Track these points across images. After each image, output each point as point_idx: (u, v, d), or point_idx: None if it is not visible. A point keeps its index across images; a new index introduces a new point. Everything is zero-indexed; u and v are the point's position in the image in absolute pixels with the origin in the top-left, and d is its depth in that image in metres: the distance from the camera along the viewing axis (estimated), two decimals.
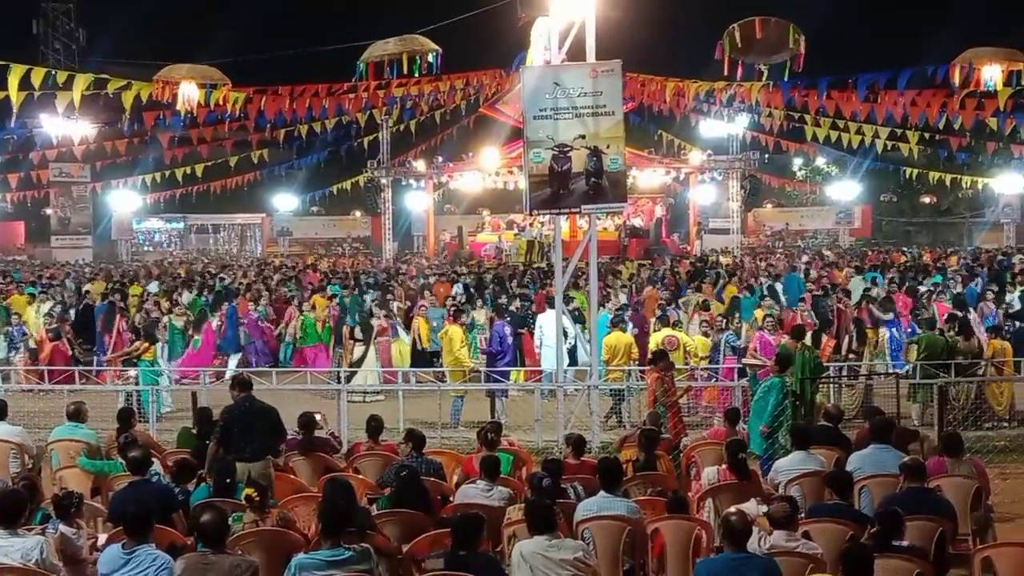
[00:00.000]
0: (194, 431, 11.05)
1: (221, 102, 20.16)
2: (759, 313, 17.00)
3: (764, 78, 20.03)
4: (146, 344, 16.28)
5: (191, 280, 27.21)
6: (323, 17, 67.20)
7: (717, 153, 44.03)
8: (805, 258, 34.86)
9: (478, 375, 16.16)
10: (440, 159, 44.52)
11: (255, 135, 36.35)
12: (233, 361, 18.86)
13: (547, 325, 16.51)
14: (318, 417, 10.89)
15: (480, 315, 18.79)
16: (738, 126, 42.61)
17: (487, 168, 40.30)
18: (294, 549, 7.26)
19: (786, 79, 20.80)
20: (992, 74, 17.91)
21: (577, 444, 9.87)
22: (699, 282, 23.09)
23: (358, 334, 17.24)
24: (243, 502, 7.96)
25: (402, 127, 41.06)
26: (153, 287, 25.91)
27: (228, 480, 8.58)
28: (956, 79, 18.58)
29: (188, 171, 39.54)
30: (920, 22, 61.18)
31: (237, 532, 7.50)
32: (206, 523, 6.74)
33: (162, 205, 52.97)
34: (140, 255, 55.22)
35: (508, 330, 16.64)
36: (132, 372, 15.79)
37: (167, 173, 40.72)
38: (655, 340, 15.82)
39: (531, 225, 40.65)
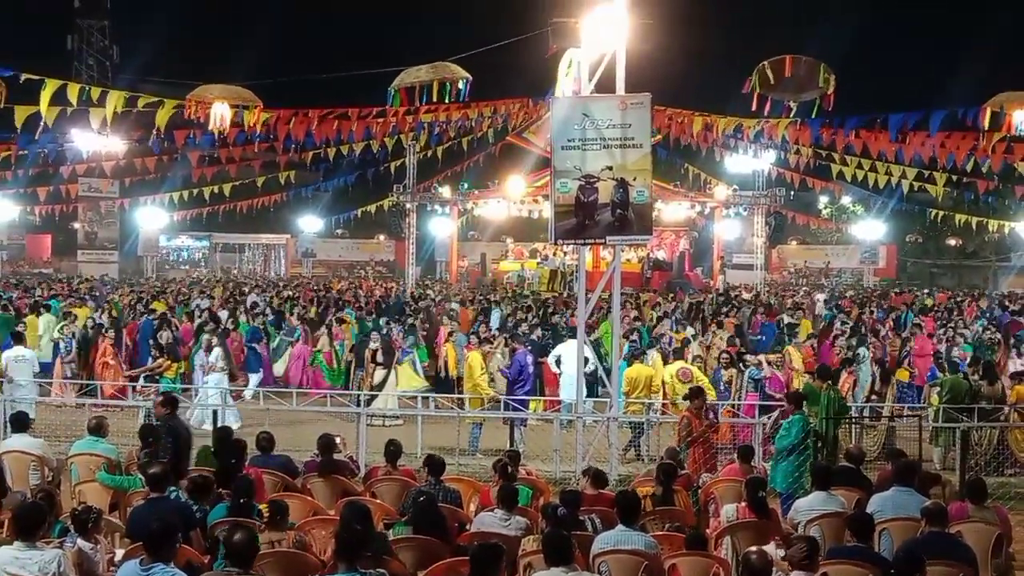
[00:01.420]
0: (214, 450, 11.05)
1: (252, 123, 20.32)
2: (792, 351, 17.04)
3: (792, 115, 20.03)
4: (168, 361, 16.35)
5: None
6: (354, 42, 67.85)
7: (743, 188, 44.05)
8: (821, 296, 34.69)
9: (497, 403, 16.14)
10: (465, 186, 44.70)
11: (283, 156, 36.63)
12: (254, 381, 18.90)
13: (567, 355, 16.46)
14: (338, 440, 10.89)
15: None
16: (764, 162, 42.60)
17: (512, 196, 40.47)
18: (310, 572, 7.25)
19: (814, 117, 20.78)
20: (1023, 118, 17.82)
21: (595, 476, 9.82)
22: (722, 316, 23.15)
23: (379, 358, 17.24)
24: (260, 522, 7.95)
25: (428, 153, 41.26)
26: (204, 303, 26.09)
27: (244, 500, 8.57)
28: (986, 122, 18.48)
29: (215, 190, 39.84)
30: (951, 64, 61.14)
31: None
32: (239, 542, 6.67)
33: (188, 223, 53.37)
34: (165, 271, 55.64)
35: (529, 359, 16.61)
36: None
37: (194, 191, 41.05)
38: (668, 372, 15.74)
39: (554, 255, 40.75)
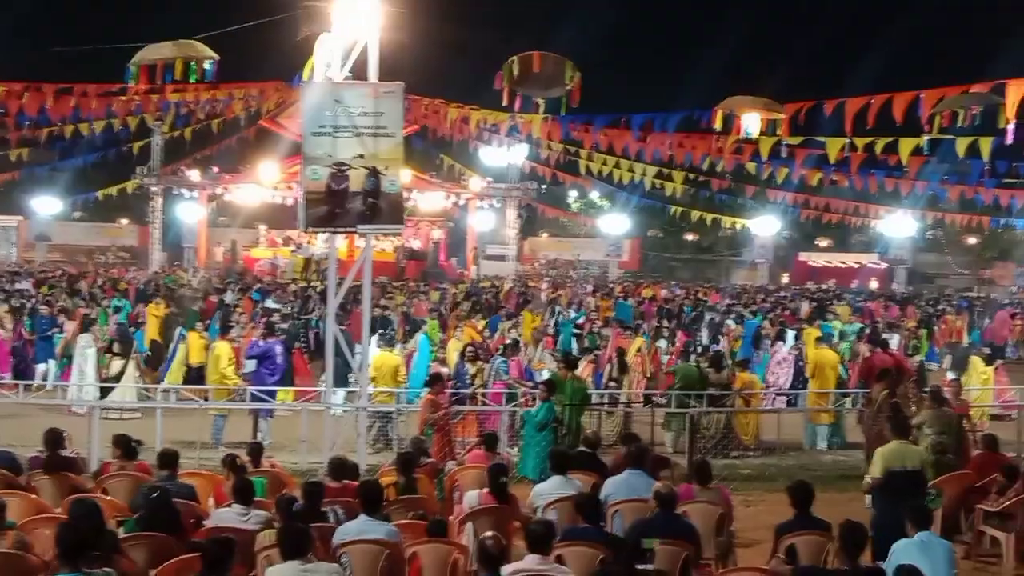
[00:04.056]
0: None
1: None
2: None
3: (541, 110, 20.51)
4: None
5: None
6: (94, 16, 64.10)
7: (497, 181, 44.93)
8: (589, 287, 35.94)
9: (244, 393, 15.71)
10: (216, 170, 43.33)
11: (14, 133, 34.25)
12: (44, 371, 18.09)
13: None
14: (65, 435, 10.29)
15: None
16: (518, 156, 43.55)
17: (265, 182, 39.60)
18: (31, 573, 6.84)
19: (563, 113, 21.36)
20: (751, 122, 18.92)
21: (334, 468, 9.73)
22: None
23: (116, 348, 16.47)
24: None
25: (176, 134, 39.68)
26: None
27: None
28: (718, 124, 19.53)
29: None
30: (690, 66, 64.71)
31: None
32: None
33: None
34: None
35: (280, 348, 16.28)
36: None
37: None
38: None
39: (308, 243, 40.16)
